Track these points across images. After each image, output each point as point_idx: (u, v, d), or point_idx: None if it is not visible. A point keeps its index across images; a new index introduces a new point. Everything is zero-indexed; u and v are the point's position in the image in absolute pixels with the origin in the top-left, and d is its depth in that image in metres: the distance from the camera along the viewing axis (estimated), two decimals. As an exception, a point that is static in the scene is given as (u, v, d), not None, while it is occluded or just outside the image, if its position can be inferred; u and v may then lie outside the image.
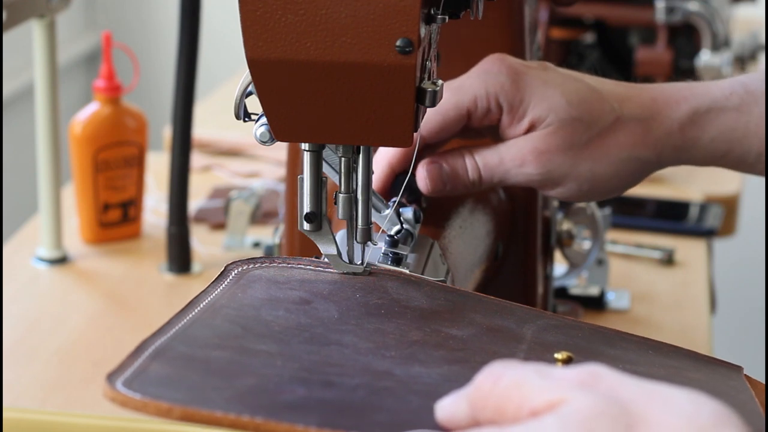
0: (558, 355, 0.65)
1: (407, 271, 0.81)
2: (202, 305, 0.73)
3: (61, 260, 1.37)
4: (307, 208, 0.78)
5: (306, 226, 0.78)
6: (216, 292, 0.75)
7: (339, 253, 0.79)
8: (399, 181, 0.90)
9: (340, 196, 0.78)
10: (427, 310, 0.77)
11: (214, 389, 0.62)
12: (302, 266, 0.80)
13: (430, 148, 0.91)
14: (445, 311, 0.77)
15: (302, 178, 0.78)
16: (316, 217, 0.78)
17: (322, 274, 0.79)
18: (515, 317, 0.78)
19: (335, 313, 0.74)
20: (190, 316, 0.71)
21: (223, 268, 0.78)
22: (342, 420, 0.61)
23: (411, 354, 0.70)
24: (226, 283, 0.76)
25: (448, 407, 0.60)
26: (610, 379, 0.56)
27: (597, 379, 0.57)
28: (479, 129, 0.91)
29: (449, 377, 0.66)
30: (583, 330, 0.78)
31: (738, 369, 0.78)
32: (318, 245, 0.79)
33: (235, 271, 0.78)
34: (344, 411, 0.62)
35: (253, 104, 0.76)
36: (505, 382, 0.57)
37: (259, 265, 0.79)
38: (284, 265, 0.80)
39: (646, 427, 0.53)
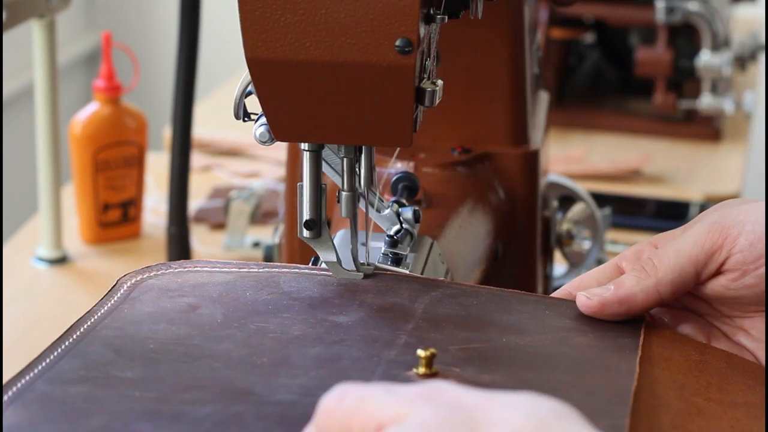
0: (420, 352, 0.68)
1: (407, 271, 0.81)
2: (83, 328, 0.73)
3: (61, 260, 1.37)
4: (306, 215, 0.78)
5: (305, 233, 0.78)
6: (102, 311, 0.75)
7: (339, 260, 0.79)
8: (399, 181, 0.90)
9: (343, 194, 0.78)
10: (318, 298, 0.77)
11: None
12: (198, 269, 0.80)
13: None
14: (336, 297, 0.77)
15: (302, 186, 0.78)
16: (315, 224, 0.78)
17: (217, 275, 0.79)
18: (411, 291, 0.78)
19: (219, 317, 0.75)
20: (67, 344, 0.72)
21: (115, 282, 0.79)
22: None
23: (283, 358, 0.71)
24: (115, 299, 0.77)
25: None
26: (452, 391, 0.58)
27: (440, 392, 0.58)
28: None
29: (309, 390, 0.67)
30: (480, 297, 0.79)
31: (639, 320, 0.78)
32: (317, 252, 0.79)
33: (127, 284, 0.79)
34: None
35: (253, 104, 0.76)
36: (350, 399, 0.58)
37: (154, 273, 0.80)
38: (180, 269, 0.80)
39: (490, 426, 0.54)
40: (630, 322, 0.77)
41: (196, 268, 0.80)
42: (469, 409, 0.56)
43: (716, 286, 0.78)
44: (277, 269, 0.80)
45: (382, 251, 0.82)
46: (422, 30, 0.71)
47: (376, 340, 0.73)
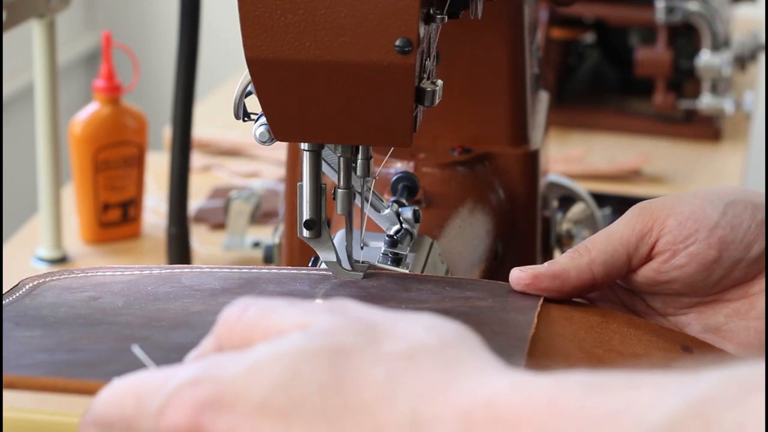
0: (319, 302, 0.68)
1: (407, 271, 0.81)
2: None
3: (61, 260, 1.37)
4: (306, 215, 0.78)
5: (305, 233, 0.78)
6: (3, 303, 0.76)
7: (338, 260, 0.79)
8: (399, 181, 0.90)
9: (339, 191, 0.78)
10: (218, 289, 0.78)
11: None
12: (101, 273, 0.81)
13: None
14: (236, 288, 0.78)
15: (301, 185, 0.78)
16: (315, 224, 0.78)
17: (119, 276, 0.80)
18: (311, 279, 0.79)
19: (120, 303, 0.76)
20: None
21: (17, 283, 0.79)
22: (72, 370, 0.63)
23: (184, 321, 0.72)
24: (16, 295, 0.78)
25: (194, 351, 0.61)
26: (357, 308, 0.58)
27: (344, 308, 0.58)
28: None
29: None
30: (380, 279, 0.79)
31: (536, 298, 0.77)
32: (317, 252, 0.79)
33: (29, 285, 0.79)
34: (78, 365, 0.64)
35: (253, 104, 0.76)
36: (252, 311, 0.58)
37: (57, 277, 0.80)
38: (82, 274, 0.81)
39: (391, 338, 0.55)
40: (530, 294, 0.77)
41: (98, 273, 0.81)
42: (372, 321, 0.56)
43: (648, 271, 0.78)
44: (179, 269, 0.81)
45: (382, 251, 0.82)
46: (422, 30, 0.71)
47: None
